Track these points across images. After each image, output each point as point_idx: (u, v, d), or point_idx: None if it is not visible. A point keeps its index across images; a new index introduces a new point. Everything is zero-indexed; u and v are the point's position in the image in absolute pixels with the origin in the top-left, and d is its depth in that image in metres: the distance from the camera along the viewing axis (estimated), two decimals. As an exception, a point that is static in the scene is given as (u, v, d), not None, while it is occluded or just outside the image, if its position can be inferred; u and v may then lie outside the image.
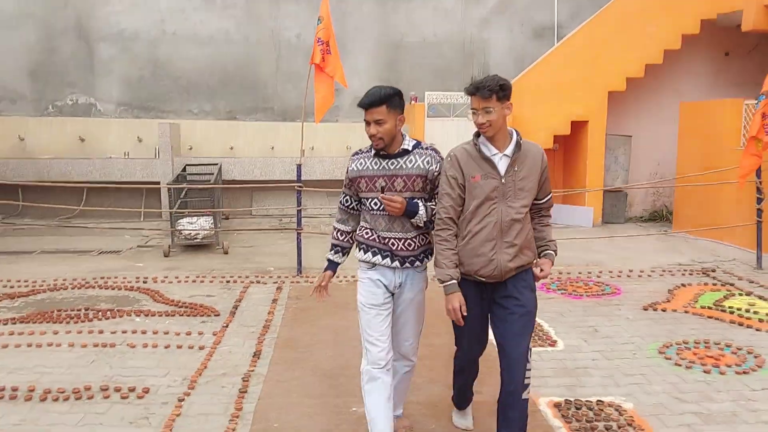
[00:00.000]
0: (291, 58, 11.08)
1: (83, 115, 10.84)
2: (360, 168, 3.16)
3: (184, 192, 8.71)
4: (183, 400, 3.89)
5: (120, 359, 4.55)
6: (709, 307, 5.75)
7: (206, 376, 4.26)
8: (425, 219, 3.09)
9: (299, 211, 7.26)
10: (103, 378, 4.20)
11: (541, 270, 3.13)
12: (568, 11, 10.98)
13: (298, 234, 7.15)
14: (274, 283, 6.71)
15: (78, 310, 5.60)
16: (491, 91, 2.91)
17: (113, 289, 6.40)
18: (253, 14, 11.02)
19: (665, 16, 9.97)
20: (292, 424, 3.61)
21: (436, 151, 3.16)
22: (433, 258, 3.16)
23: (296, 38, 11.04)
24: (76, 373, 4.30)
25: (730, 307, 5.71)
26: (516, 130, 3.07)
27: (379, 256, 3.15)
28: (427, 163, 3.10)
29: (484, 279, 3.04)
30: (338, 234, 3.37)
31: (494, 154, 3.00)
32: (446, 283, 3.02)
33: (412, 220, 3.10)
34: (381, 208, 3.11)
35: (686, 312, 5.65)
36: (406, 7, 10.98)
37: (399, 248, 3.13)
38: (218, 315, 5.58)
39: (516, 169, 3.00)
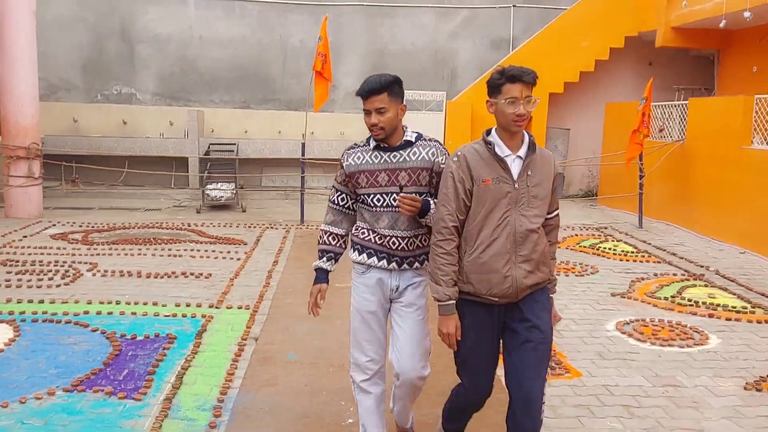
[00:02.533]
0: (295, 59, 13.47)
1: (125, 102, 13.24)
2: (358, 162, 2.89)
3: (209, 164, 11.19)
4: (233, 279, 6.43)
5: (187, 262, 7.09)
6: (585, 247, 8.30)
7: (245, 270, 6.80)
8: None
9: (302, 177, 9.78)
10: (180, 269, 6.72)
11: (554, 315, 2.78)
12: (521, 27, 13.42)
13: (302, 193, 9.66)
14: (284, 228, 9.24)
15: (148, 239, 8.12)
16: (536, 78, 2.60)
17: (167, 229, 8.93)
18: (265, 23, 13.43)
19: (596, 32, 12.46)
20: (300, 288, 6.13)
21: (441, 143, 2.93)
22: (430, 272, 2.77)
23: (300, 43, 13.45)
24: (161, 267, 6.82)
25: (599, 247, 8.25)
26: (528, 132, 2.74)
27: (374, 258, 2.89)
28: (433, 154, 2.85)
29: (497, 299, 2.65)
30: (329, 238, 3.02)
31: (507, 155, 2.66)
32: (444, 303, 2.67)
33: (423, 219, 2.82)
34: (384, 204, 2.85)
35: (567, 249, 8.20)
36: (390, 21, 13.40)
37: (400, 247, 2.86)
38: (246, 244, 8.11)
39: (529, 173, 2.66)
